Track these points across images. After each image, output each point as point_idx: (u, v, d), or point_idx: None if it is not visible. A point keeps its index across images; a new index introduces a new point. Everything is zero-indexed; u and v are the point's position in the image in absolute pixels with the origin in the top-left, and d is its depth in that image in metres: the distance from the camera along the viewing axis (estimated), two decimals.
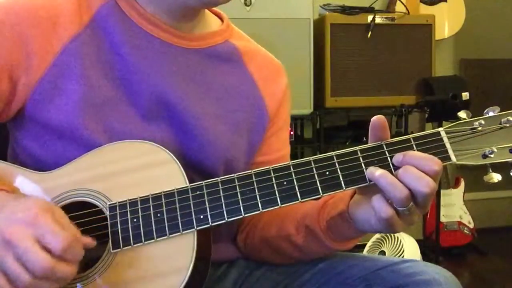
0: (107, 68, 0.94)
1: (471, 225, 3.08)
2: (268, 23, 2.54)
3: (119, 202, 0.87)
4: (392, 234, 2.45)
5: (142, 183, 0.88)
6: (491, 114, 0.84)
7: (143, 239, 0.85)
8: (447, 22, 3.18)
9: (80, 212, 0.88)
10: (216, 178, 0.87)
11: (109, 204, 0.87)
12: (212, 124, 1.00)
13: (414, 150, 0.83)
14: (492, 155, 0.82)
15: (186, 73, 0.99)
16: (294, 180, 0.84)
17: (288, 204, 0.84)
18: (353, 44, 2.68)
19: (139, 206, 0.87)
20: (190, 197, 0.86)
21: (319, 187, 0.83)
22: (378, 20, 2.68)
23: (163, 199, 0.86)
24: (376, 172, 0.81)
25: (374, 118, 0.83)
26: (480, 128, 0.84)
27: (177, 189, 0.87)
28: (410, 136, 0.84)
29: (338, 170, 0.84)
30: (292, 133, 2.70)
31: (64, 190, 0.90)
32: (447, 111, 2.57)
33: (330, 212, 0.93)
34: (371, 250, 2.48)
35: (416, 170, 0.80)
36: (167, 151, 0.89)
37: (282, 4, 2.57)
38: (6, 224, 0.77)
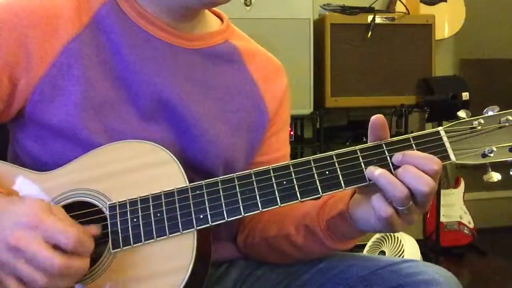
0: (107, 68, 0.94)
1: (471, 225, 3.08)
2: (268, 23, 2.54)
3: (119, 202, 0.87)
4: (392, 234, 2.45)
5: (142, 183, 0.88)
6: (490, 113, 0.84)
7: (143, 238, 0.85)
8: (447, 22, 3.18)
9: (80, 212, 0.88)
10: (216, 178, 0.87)
11: (109, 204, 0.87)
12: (212, 124, 1.00)
13: (414, 150, 0.83)
14: (491, 154, 0.82)
15: (186, 73, 0.99)
16: (294, 180, 0.84)
17: (288, 203, 0.84)
18: (353, 44, 2.68)
19: (139, 206, 0.87)
20: (190, 197, 0.86)
21: (319, 187, 0.83)
22: (378, 20, 2.69)
23: (163, 199, 0.86)
24: (375, 172, 0.81)
25: (373, 118, 0.83)
26: (479, 128, 0.84)
27: (177, 188, 0.87)
28: (410, 135, 0.84)
29: (338, 169, 0.83)
30: (292, 133, 2.71)
31: (64, 190, 0.90)
32: (447, 111, 2.58)
33: (330, 211, 0.93)
34: (371, 250, 2.48)
35: (415, 169, 0.80)
36: (167, 151, 0.89)
37: (282, 4, 2.57)
38: (10, 231, 0.77)
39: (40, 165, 0.93)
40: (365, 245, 2.52)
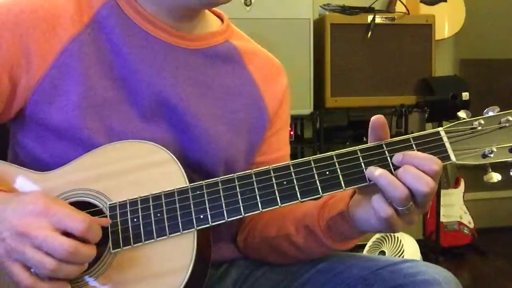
0: (107, 68, 0.94)
1: (471, 225, 3.08)
2: (268, 23, 2.54)
3: (119, 202, 0.87)
4: (392, 234, 2.45)
5: (142, 183, 0.88)
6: (490, 113, 0.84)
7: (143, 239, 0.85)
8: (447, 22, 3.18)
9: None
10: (216, 178, 0.87)
11: (109, 204, 0.88)
12: (212, 124, 1.00)
13: (414, 150, 0.83)
14: (491, 155, 0.82)
15: (186, 73, 0.99)
16: (294, 180, 0.84)
17: (288, 204, 0.84)
18: (353, 44, 2.68)
19: (139, 206, 0.87)
20: (190, 197, 0.86)
21: (319, 187, 0.83)
22: (378, 20, 2.69)
23: (163, 199, 0.86)
24: (376, 172, 0.81)
25: (373, 118, 0.83)
26: (479, 128, 0.84)
27: (177, 189, 0.87)
28: (410, 135, 0.84)
29: (338, 170, 0.84)
30: (292, 133, 2.71)
31: (64, 190, 0.90)
32: (447, 111, 2.58)
33: (330, 212, 0.93)
34: (371, 250, 2.48)
35: (415, 169, 0.80)
36: (167, 151, 0.89)
37: (282, 4, 2.57)
38: (17, 217, 0.78)
39: (40, 165, 0.93)
40: (365, 245, 2.53)
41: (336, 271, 0.99)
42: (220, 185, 0.86)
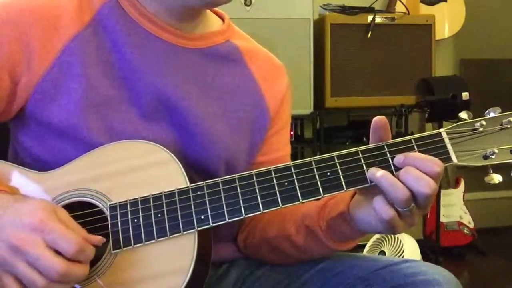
0: (108, 67, 0.94)
1: (471, 225, 3.08)
2: (268, 23, 2.54)
3: (119, 202, 0.87)
4: (392, 234, 2.45)
5: (143, 183, 0.88)
6: (492, 114, 0.84)
7: (143, 239, 0.85)
8: (447, 22, 3.18)
9: (81, 212, 0.88)
10: (217, 179, 0.87)
11: (110, 204, 0.87)
12: (213, 124, 1.00)
13: (415, 151, 0.83)
14: (493, 156, 0.82)
15: (187, 73, 0.99)
16: (295, 181, 0.84)
17: (289, 205, 0.84)
18: (353, 44, 2.68)
19: (140, 206, 0.87)
20: (191, 197, 0.86)
21: (320, 188, 0.83)
22: (378, 20, 2.69)
23: (163, 199, 0.86)
24: (377, 173, 0.81)
25: (375, 119, 0.83)
26: (481, 129, 0.83)
27: (178, 189, 0.86)
28: (411, 137, 0.84)
29: (339, 170, 0.83)
30: (292, 133, 2.71)
31: (64, 190, 0.90)
32: (447, 111, 2.58)
33: (330, 212, 0.93)
34: (371, 250, 2.48)
35: (417, 171, 0.80)
36: (168, 151, 0.89)
37: (282, 4, 2.57)
38: (13, 230, 0.77)
39: (40, 164, 0.93)
40: (365, 245, 2.53)
41: (336, 271, 0.99)
42: (221, 185, 0.86)
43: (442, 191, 2.92)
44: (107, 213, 0.87)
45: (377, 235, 2.51)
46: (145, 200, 0.87)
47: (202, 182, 0.86)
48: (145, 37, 0.97)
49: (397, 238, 2.45)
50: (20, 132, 0.96)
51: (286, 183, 0.84)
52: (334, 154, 0.84)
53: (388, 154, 0.83)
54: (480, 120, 0.84)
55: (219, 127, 1.01)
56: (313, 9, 2.63)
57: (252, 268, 1.08)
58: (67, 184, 0.90)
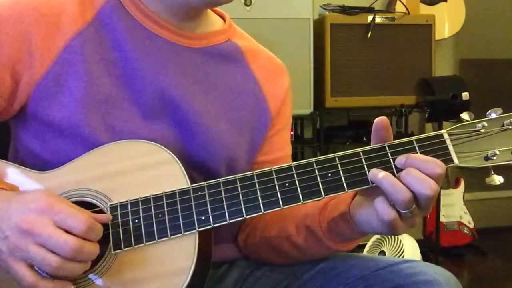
0: (110, 66, 0.94)
1: (471, 225, 3.08)
2: (268, 23, 2.54)
3: (120, 203, 0.87)
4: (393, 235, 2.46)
5: (143, 183, 0.88)
6: (493, 115, 0.84)
7: (144, 240, 0.85)
8: (447, 22, 3.18)
9: None
10: (218, 179, 0.86)
11: (110, 205, 0.87)
12: (214, 123, 1.00)
13: (417, 152, 0.83)
14: (494, 158, 0.82)
15: (188, 72, 0.99)
16: (296, 182, 0.84)
17: (290, 206, 0.84)
18: (353, 44, 2.68)
19: (140, 207, 0.87)
20: (192, 198, 0.86)
21: (321, 189, 0.83)
22: (378, 20, 2.69)
23: (164, 200, 0.86)
24: (378, 174, 0.81)
25: (377, 120, 0.83)
26: (482, 130, 0.83)
27: (178, 189, 0.86)
28: (413, 138, 0.84)
29: (341, 171, 0.83)
30: (292, 133, 2.70)
31: (65, 190, 0.90)
32: (447, 111, 2.58)
33: (331, 213, 0.93)
34: (371, 250, 2.48)
35: (419, 172, 0.80)
36: (169, 151, 0.89)
37: (282, 4, 2.57)
38: (20, 215, 0.78)
39: (40, 163, 0.93)
40: (365, 245, 2.53)
41: (336, 271, 0.99)
42: (222, 186, 0.86)
43: (442, 191, 2.91)
44: (108, 213, 0.87)
45: (377, 235, 2.51)
46: (145, 201, 0.87)
47: (203, 183, 0.86)
48: (147, 36, 0.97)
49: (397, 238, 2.45)
50: (20, 130, 0.96)
51: (287, 184, 0.84)
52: (336, 155, 0.84)
53: (390, 155, 0.83)
54: (482, 121, 0.84)
55: (220, 127, 1.01)
56: (313, 9, 2.63)
57: (252, 268, 1.09)
58: (67, 184, 0.90)
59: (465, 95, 2.61)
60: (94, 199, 0.88)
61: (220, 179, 0.86)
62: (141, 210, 0.86)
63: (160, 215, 0.86)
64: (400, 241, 2.43)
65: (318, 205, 0.97)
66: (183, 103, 0.97)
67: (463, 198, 3.12)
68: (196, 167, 0.95)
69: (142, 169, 0.89)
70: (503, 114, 0.84)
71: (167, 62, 0.97)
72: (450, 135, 0.83)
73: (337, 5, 2.76)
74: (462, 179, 3.13)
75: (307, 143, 2.83)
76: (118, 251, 0.86)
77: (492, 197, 3.39)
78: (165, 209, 0.86)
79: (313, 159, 0.85)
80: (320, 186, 0.83)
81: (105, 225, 0.86)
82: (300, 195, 0.84)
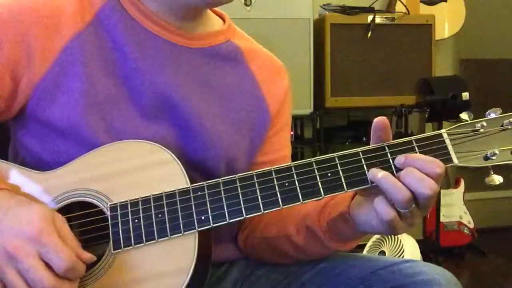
0: (109, 67, 0.94)
1: (471, 225, 3.08)
2: (268, 23, 2.54)
3: (120, 202, 0.87)
4: (392, 235, 2.46)
5: (143, 183, 0.88)
6: (492, 115, 0.84)
7: (144, 239, 0.85)
8: (447, 22, 3.18)
9: (81, 212, 0.88)
10: (218, 179, 0.87)
11: (110, 204, 0.87)
12: (214, 123, 1.00)
13: (416, 152, 0.83)
14: (494, 157, 0.82)
15: (188, 72, 0.99)
16: (296, 181, 0.84)
17: (290, 205, 0.84)
18: (353, 44, 2.68)
19: (140, 207, 0.87)
20: (192, 198, 0.86)
21: (321, 189, 0.83)
22: (378, 20, 2.69)
23: (164, 200, 0.86)
24: (378, 174, 0.81)
25: (376, 120, 0.83)
26: (482, 130, 0.83)
27: (178, 189, 0.86)
28: (412, 137, 0.84)
29: (340, 171, 0.83)
30: (292, 133, 2.70)
31: (65, 190, 0.90)
32: (447, 111, 2.58)
33: (331, 213, 0.93)
34: (371, 250, 2.48)
35: (418, 172, 0.80)
36: (169, 151, 0.89)
37: (282, 4, 2.57)
38: (10, 236, 0.78)
39: (40, 164, 0.93)
40: (365, 245, 2.53)
41: (336, 271, 0.99)
42: (221, 186, 0.86)
43: (442, 191, 2.91)
44: (108, 213, 0.87)
45: (377, 235, 2.51)
46: (145, 200, 0.87)
47: (202, 183, 0.87)
48: (146, 36, 0.97)
49: (397, 238, 2.45)
50: (20, 131, 0.96)
51: (287, 184, 0.84)
52: (335, 154, 0.84)
53: (389, 155, 0.83)
54: (481, 121, 0.84)
55: (219, 127, 1.01)
56: (313, 9, 2.63)
57: (252, 268, 1.09)
58: (67, 184, 0.90)
59: (465, 95, 2.61)
60: (94, 199, 0.88)
61: (220, 179, 0.86)
62: (141, 210, 0.86)
63: (160, 215, 0.86)
64: (400, 241, 2.43)
65: (317, 205, 0.97)
66: (182, 103, 0.97)
67: (463, 198, 3.12)
68: (195, 167, 0.95)
69: (142, 169, 0.89)
70: (502, 114, 0.84)
71: (167, 62, 0.97)
72: (450, 135, 0.84)
73: (337, 5, 2.76)
74: (462, 179, 3.13)
75: (307, 143, 2.83)
76: (118, 250, 0.86)
77: (492, 197, 3.39)
78: (165, 209, 0.86)
79: (313, 159, 0.85)
80: (320, 186, 0.83)
81: (105, 225, 0.87)
82: (299, 195, 0.84)
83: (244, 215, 0.84)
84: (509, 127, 0.83)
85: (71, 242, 0.80)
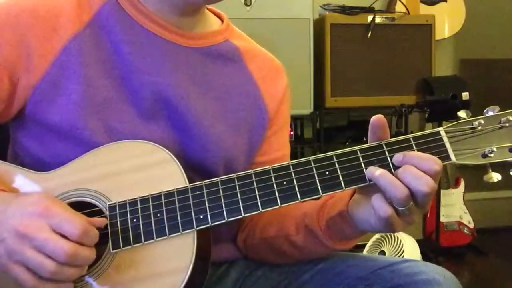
0: (108, 67, 0.94)
1: (471, 225, 3.08)
2: (268, 23, 2.54)
3: (118, 202, 0.87)
4: (392, 234, 2.45)
5: (142, 183, 0.88)
6: (490, 113, 0.84)
7: (143, 239, 0.85)
8: (447, 22, 3.18)
9: (80, 212, 0.88)
10: (216, 178, 0.87)
11: (109, 204, 0.87)
12: (212, 124, 1.00)
13: (414, 150, 0.83)
14: (492, 155, 0.82)
15: (186, 72, 0.99)
16: (294, 180, 0.84)
17: (288, 204, 0.84)
18: (353, 44, 2.68)
19: (139, 206, 0.87)
20: (190, 197, 0.86)
21: (319, 187, 0.83)
22: (378, 20, 2.69)
23: (163, 199, 0.86)
24: (376, 172, 0.81)
25: (373, 118, 0.83)
26: (479, 128, 0.83)
27: (177, 189, 0.86)
28: (410, 135, 0.84)
29: (338, 170, 0.83)
30: (292, 133, 2.71)
31: (64, 190, 0.90)
32: (447, 111, 2.57)
33: (329, 211, 0.93)
34: (371, 250, 2.48)
35: (416, 169, 0.80)
36: (167, 151, 0.89)
37: (282, 4, 2.57)
38: (17, 218, 0.78)
39: (40, 165, 0.93)
40: (365, 245, 2.52)
41: (336, 271, 0.99)
42: (220, 185, 0.86)
43: (442, 191, 2.91)
44: (107, 213, 0.87)
45: (377, 235, 2.51)
46: (144, 200, 0.87)
47: (201, 182, 0.87)
48: (145, 36, 0.97)
49: (397, 238, 2.45)
50: (19, 132, 0.96)
51: (285, 182, 0.84)
52: (333, 153, 0.84)
53: (387, 153, 0.83)
54: (479, 119, 0.84)
55: (218, 127, 1.01)
56: (313, 9, 2.63)
57: (252, 268, 1.09)
58: (66, 184, 0.90)
59: (465, 95, 2.61)
60: (93, 199, 0.88)
61: (218, 178, 0.86)
62: (139, 210, 0.87)
63: (158, 214, 0.86)
64: (400, 241, 2.43)
65: (316, 204, 0.97)
66: (180, 103, 0.97)
67: (463, 198, 3.11)
68: (194, 167, 0.95)
69: (141, 169, 0.89)
70: (500, 112, 0.84)
71: (165, 62, 0.97)
72: (447, 133, 0.84)
73: (337, 5, 2.76)
74: (462, 179, 3.12)
75: (307, 143, 2.84)
76: (116, 250, 0.86)
77: (492, 197, 3.39)
78: (164, 208, 0.86)
79: (311, 158, 0.85)
80: (318, 184, 0.83)
81: (104, 225, 0.87)
82: (297, 193, 0.84)
83: (243, 214, 0.84)
84: (507, 124, 0.83)
85: (78, 214, 0.82)
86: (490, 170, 0.84)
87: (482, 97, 2.71)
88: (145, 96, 0.95)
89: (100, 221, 0.84)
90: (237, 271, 1.09)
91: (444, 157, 0.83)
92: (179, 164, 0.88)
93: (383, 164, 0.83)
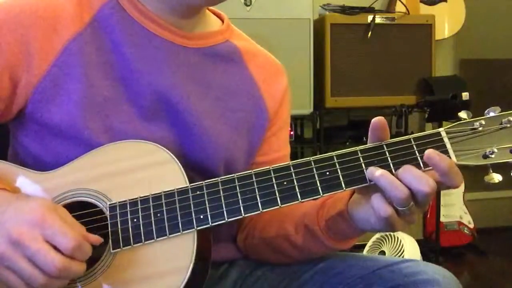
0: (108, 68, 0.94)
1: (471, 225, 3.08)
2: (268, 23, 2.54)
3: (119, 202, 0.87)
4: (392, 234, 2.45)
5: (142, 183, 0.88)
6: (491, 114, 0.84)
7: (143, 239, 0.85)
8: (447, 22, 3.18)
9: (80, 212, 0.88)
10: (216, 178, 0.87)
11: (109, 204, 0.87)
12: (212, 124, 1.00)
13: (415, 151, 0.83)
14: (492, 156, 0.82)
15: (187, 72, 0.99)
16: (294, 180, 0.84)
17: (288, 204, 0.84)
18: (353, 44, 2.68)
19: (139, 206, 0.87)
20: (190, 197, 0.86)
21: (319, 187, 0.83)
22: (378, 20, 2.69)
23: (163, 199, 0.86)
24: (376, 172, 0.81)
25: (374, 120, 0.83)
26: (480, 129, 0.83)
27: (177, 189, 0.86)
28: (411, 136, 0.84)
29: (338, 170, 0.83)
30: (292, 133, 2.71)
31: (64, 190, 0.90)
32: (447, 111, 2.58)
33: (329, 211, 0.93)
34: (371, 250, 2.48)
35: (416, 169, 0.80)
36: (167, 151, 0.89)
37: (282, 4, 2.57)
38: (13, 225, 0.78)
39: (40, 165, 0.93)
40: (365, 245, 2.52)
41: (336, 271, 0.99)
42: (220, 185, 0.86)
43: (442, 191, 2.91)
44: (107, 213, 0.87)
45: (377, 235, 2.51)
46: (144, 200, 0.87)
47: (201, 182, 0.87)
48: (145, 36, 0.97)
49: (397, 238, 2.45)
50: (20, 132, 0.96)
51: (285, 183, 0.84)
52: (333, 153, 0.84)
53: (387, 154, 0.83)
54: (480, 120, 0.84)
55: (218, 127, 1.01)
56: (313, 9, 2.63)
57: (252, 268, 1.09)
58: (67, 184, 0.90)
59: (465, 95, 2.61)
60: (93, 199, 0.89)
61: (219, 178, 0.86)
62: (140, 210, 0.87)
63: (159, 214, 0.86)
64: (400, 241, 2.43)
65: (316, 204, 0.97)
66: (181, 104, 0.97)
67: (463, 198, 3.12)
68: (194, 168, 0.95)
69: (141, 169, 0.89)
70: (501, 112, 0.84)
71: (165, 62, 0.97)
72: (448, 133, 0.84)
73: (337, 5, 2.76)
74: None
75: (307, 143, 2.84)
76: (117, 250, 0.86)
77: (492, 197, 3.39)
78: (164, 208, 0.86)
79: (311, 158, 0.85)
80: (318, 185, 0.83)
81: (104, 225, 0.87)
82: (298, 193, 0.84)
83: (243, 214, 0.84)
84: (508, 125, 0.83)
85: (75, 225, 0.81)
86: (491, 171, 0.84)
87: (482, 97, 2.72)
88: (145, 96, 0.95)
89: (95, 239, 0.83)
90: (237, 271, 1.09)
91: None
92: (180, 164, 0.88)
93: (384, 164, 0.83)
